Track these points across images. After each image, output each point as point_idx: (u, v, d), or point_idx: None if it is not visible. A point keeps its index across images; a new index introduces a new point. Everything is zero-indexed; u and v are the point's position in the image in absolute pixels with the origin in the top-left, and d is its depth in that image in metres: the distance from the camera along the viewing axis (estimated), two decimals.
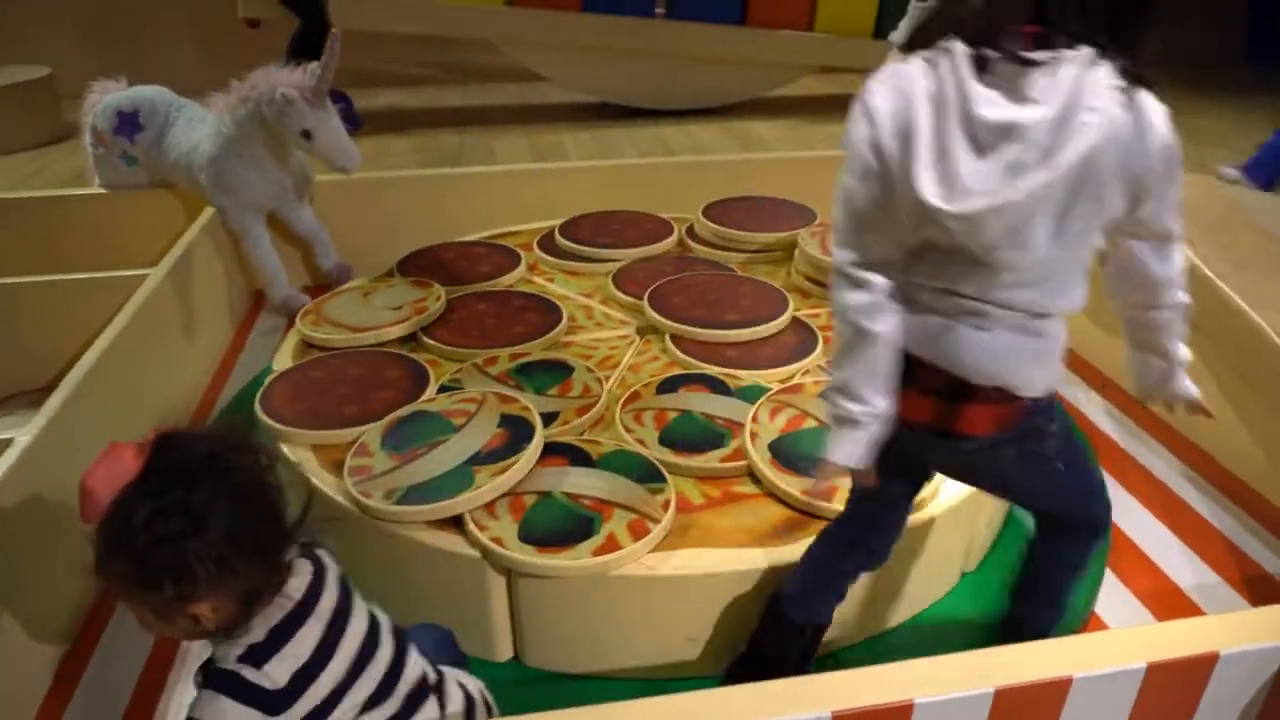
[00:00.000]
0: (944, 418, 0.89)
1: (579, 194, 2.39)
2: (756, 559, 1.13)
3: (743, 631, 1.14)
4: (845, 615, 1.19)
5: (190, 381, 1.84)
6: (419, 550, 1.17)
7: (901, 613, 1.26)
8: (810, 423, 1.32)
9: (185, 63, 4.63)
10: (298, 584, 0.81)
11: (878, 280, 0.86)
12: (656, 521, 1.15)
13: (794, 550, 1.13)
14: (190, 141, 2.08)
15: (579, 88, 4.25)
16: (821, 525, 1.15)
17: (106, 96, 2.17)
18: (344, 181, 2.38)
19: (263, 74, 1.93)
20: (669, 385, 1.46)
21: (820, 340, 1.60)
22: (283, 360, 1.60)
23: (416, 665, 0.89)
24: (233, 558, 0.73)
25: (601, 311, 1.78)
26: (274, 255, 2.16)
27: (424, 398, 1.42)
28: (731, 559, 1.12)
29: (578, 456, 1.28)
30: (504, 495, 1.20)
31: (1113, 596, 1.34)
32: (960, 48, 0.79)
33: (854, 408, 0.88)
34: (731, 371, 1.50)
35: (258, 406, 1.42)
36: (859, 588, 1.14)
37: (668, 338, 1.62)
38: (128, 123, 2.15)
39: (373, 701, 0.83)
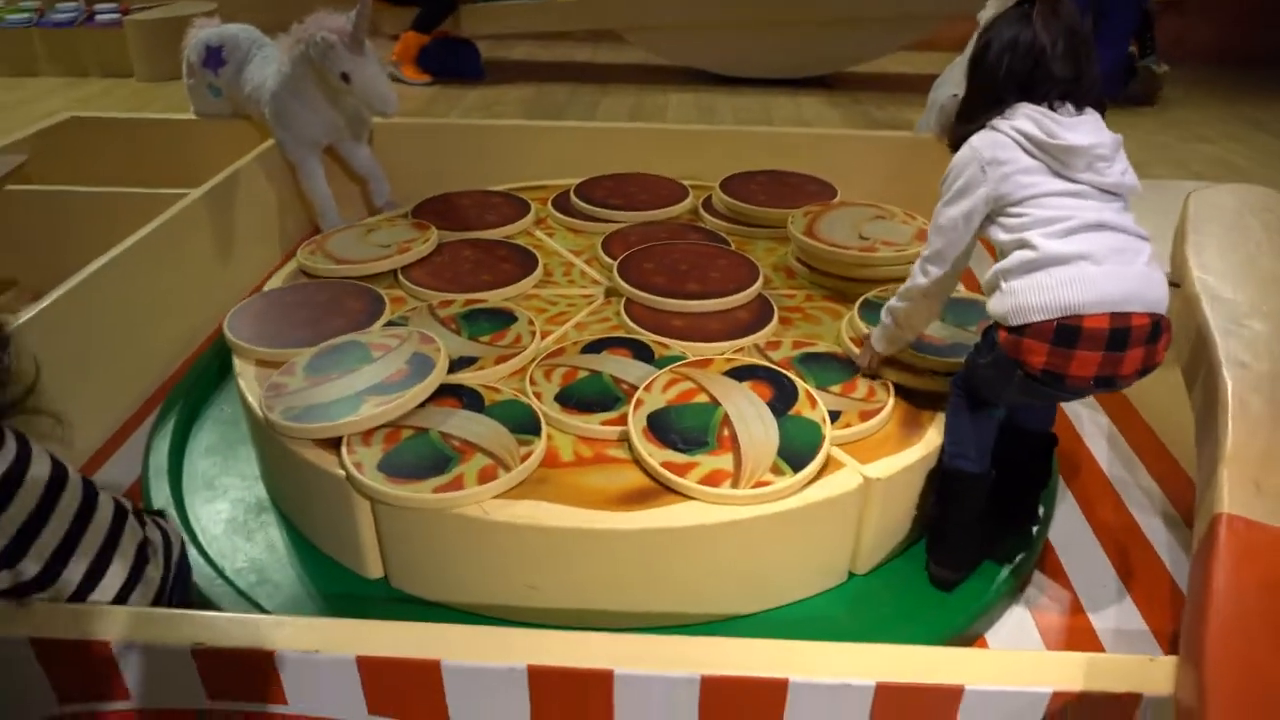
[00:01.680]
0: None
1: (626, 154, 2.41)
2: (592, 520, 1.14)
3: (584, 588, 1.18)
4: (696, 592, 1.20)
5: (217, 299, 2.02)
6: (304, 465, 1.27)
7: (762, 600, 1.24)
8: (701, 398, 1.31)
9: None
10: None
11: None
12: (508, 469, 1.19)
13: (632, 518, 1.14)
14: (261, 77, 2.26)
15: (703, 65, 4.24)
16: (672, 500, 1.16)
17: (199, 31, 2.39)
18: (403, 125, 2.52)
19: (315, 18, 2.06)
20: (595, 346, 1.48)
21: (775, 320, 1.57)
22: (273, 283, 1.74)
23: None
24: None
25: (580, 270, 1.81)
26: (326, 189, 2.31)
27: (367, 329, 1.51)
28: (566, 516, 1.15)
29: (472, 401, 1.34)
30: (384, 426, 1.27)
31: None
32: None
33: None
34: (663, 340, 1.50)
35: (226, 319, 1.56)
36: (715, 563, 1.16)
37: (624, 301, 1.63)
38: (213, 56, 2.36)
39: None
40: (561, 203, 2.06)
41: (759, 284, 1.65)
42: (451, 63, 4.14)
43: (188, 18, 2.53)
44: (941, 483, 1.27)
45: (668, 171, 2.23)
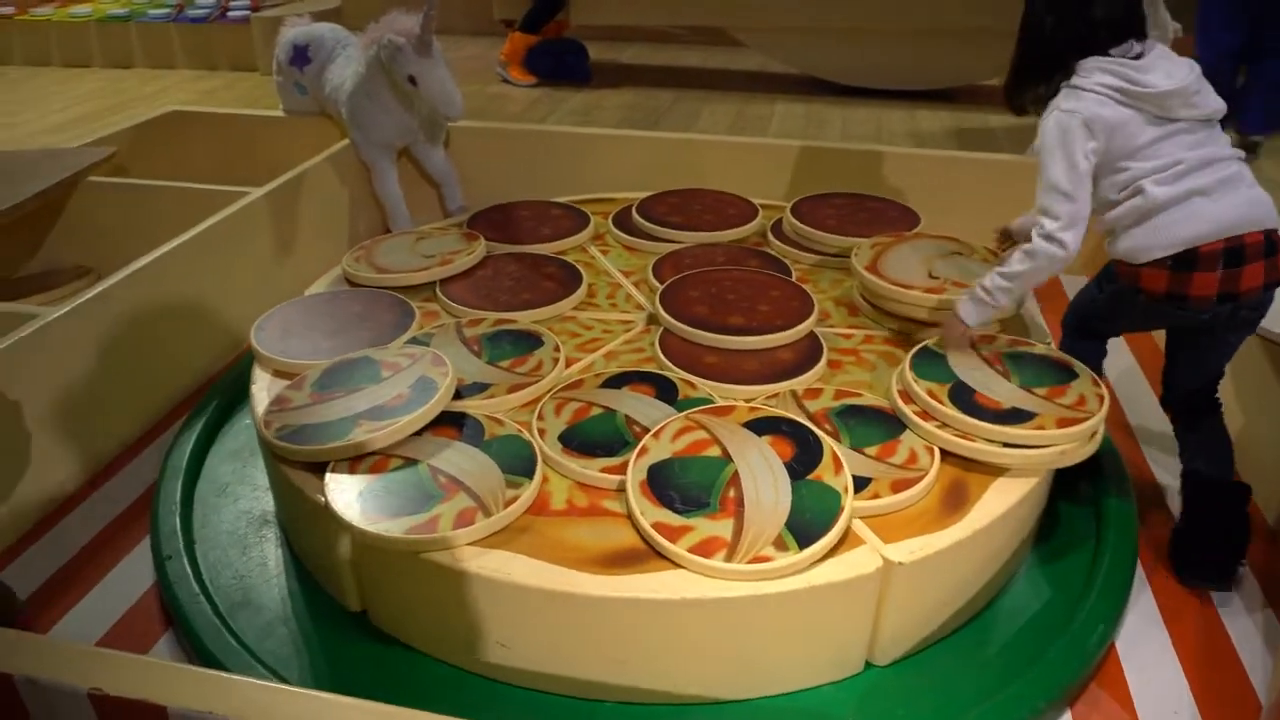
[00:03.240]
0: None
1: (705, 167, 2.31)
2: (566, 580, 1.04)
3: (557, 653, 1.08)
4: (677, 670, 1.08)
5: (275, 298, 2.01)
6: (290, 486, 1.22)
7: (755, 686, 1.11)
8: (712, 451, 1.19)
9: (456, 2, 5.02)
10: None
11: None
12: (488, 514, 1.10)
13: (610, 584, 1.03)
14: (340, 77, 2.26)
15: (816, 72, 4.05)
16: (660, 566, 1.05)
17: (289, 31, 2.41)
18: (480, 129, 2.49)
19: (387, 19, 2.03)
20: (617, 381, 1.38)
21: (821, 363, 1.43)
22: (316, 288, 1.71)
23: None
24: None
25: (626, 293, 1.71)
26: (398, 191, 2.30)
27: (386, 346, 1.46)
28: (540, 573, 1.05)
29: (471, 432, 1.26)
30: (374, 454, 1.20)
31: None
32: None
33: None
34: (690, 379, 1.38)
35: (256, 323, 1.53)
36: (699, 642, 1.04)
37: (661, 331, 1.52)
38: (300, 55, 2.38)
39: None
40: (622, 218, 1.96)
41: (809, 322, 1.50)
42: (558, 65, 4.11)
43: (329, 11, 2.56)
44: None
45: (748, 188, 2.10)
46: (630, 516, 1.12)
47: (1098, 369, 1.39)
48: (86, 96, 4.06)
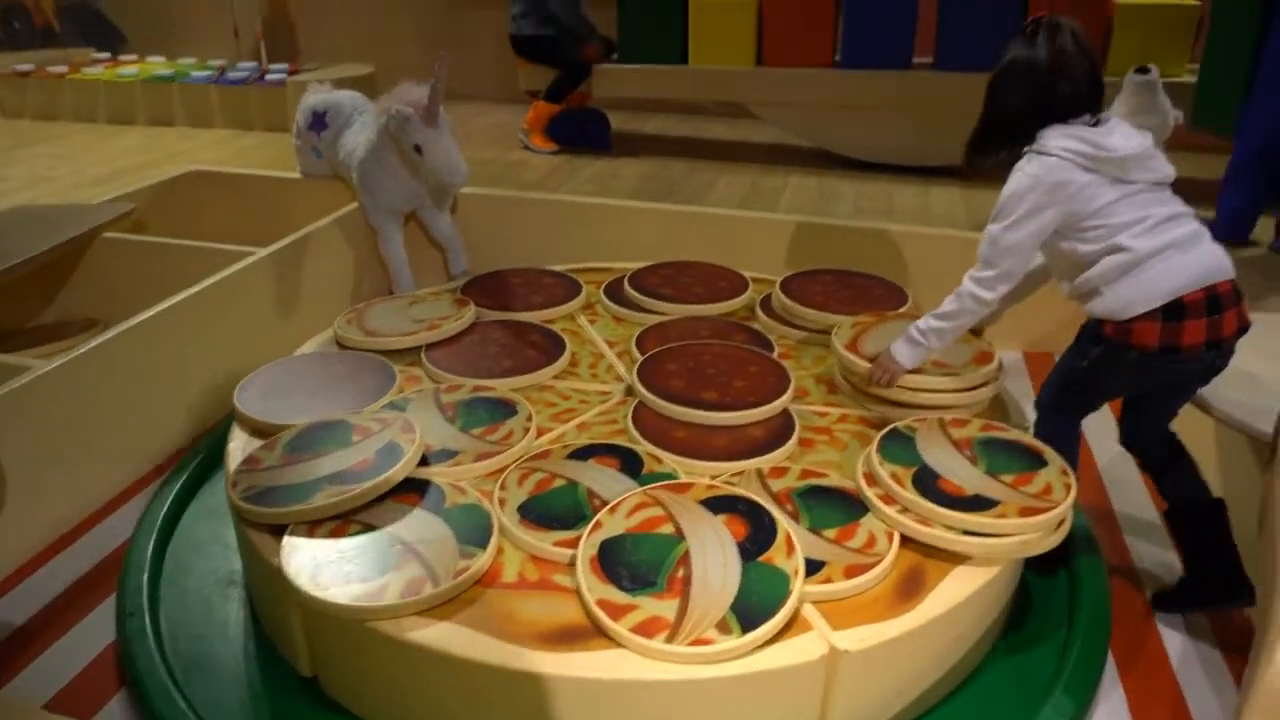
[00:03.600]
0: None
1: (714, 239, 2.34)
2: (507, 655, 1.03)
3: None
4: None
5: (275, 356, 2.06)
6: (250, 548, 1.23)
7: None
8: (666, 528, 1.18)
9: (484, 72, 5.20)
10: None
11: None
12: (436, 585, 1.10)
13: (550, 661, 1.02)
14: (354, 143, 2.34)
15: (828, 145, 4.11)
16: (603, 645, 1.04)
17: (310, 98, 2.50)
18: (486, 196, 2.55)
19: (398, 90, 2.10)
20: (584, 453, 1.38)
21: (792, 441, 1.43)
22: (306, 349, 1.75)
23: None
24: None
25: (609, 364, 1.73)
26: (402, 255, 2.35)
27: (361, 410, 1.48)
28: (481, 646, 1.05)
29: (433, 500, 1.27)
30: (333, 519, 1.22)
31: None
32: None
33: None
34: (657, 453, 1.38)
35: (242, 382, 1.57)
36: None
37: (635, 403, 1.53)
38: (318, 121, 2.46)
39: None
40: (614, 288, 1.99)
41: (783, 399, 1.51)
42: (580, 133, 4.20)
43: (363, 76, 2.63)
44: None
45: (749, 261, 2.13)
46: (578, 592, 1.11)
47: (1074, 452, 1.39)
48: (125, 152, 4.22)
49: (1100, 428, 1.85)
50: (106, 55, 5.41)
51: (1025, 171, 1.25)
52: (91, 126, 4.76)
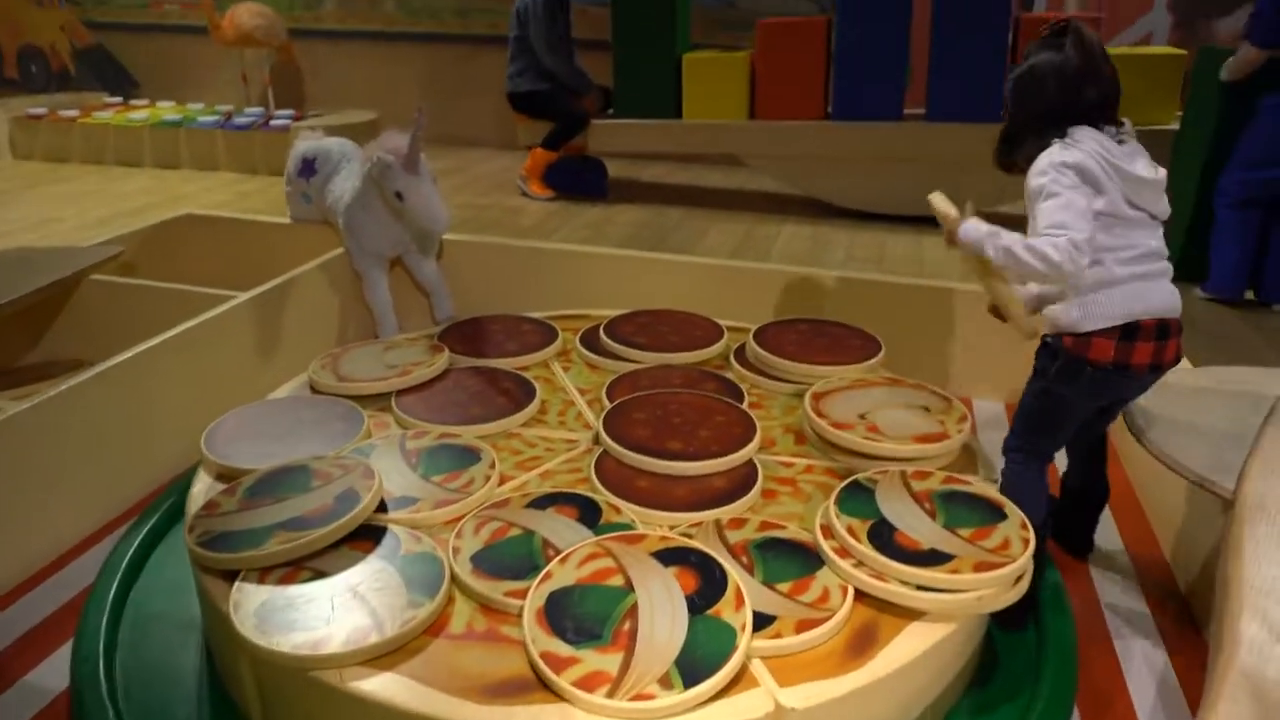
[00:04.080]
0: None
1: (697, 288, 2.35)
2: (449, 708, 1.03)
3: None
4: None
5: (250, 400, 2.08)
6: (202, 592, 1.23)
7: None
8: (615, 580, 1.18)
9: (486, 119, 5.28)
10: None
11: None
12: (382, 634, 1.10)
13: (491, 714, 1.01)
14: (341, 190, 2.37)
15: (819, 195, 4.16)
16: (545, 699, 1.03)
17: (300, 145, 2.55)
18: (471, 243, 2.57)
19: (382, 138, 2.14)
20: (543, 501, 1.38)
21: (754, 492, 1.42)
22: (279, 394, 1.76)
23: None
24: None
25: (578, 412, 1.73)
26: (387, 299, 2.37)
27: (328, 454, 1.49)
28: (423, 698, 1.04)
29: (388, 548, 1.27)
30: (284, 565, 1.22)
31: None
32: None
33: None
34: (616, 502, 1.38)
35: (209, 426, 1.58)
36: None
37: (600, 452, 1.53)
38: (308, 167, 2.50)
39: None
40: (590, 336, 2.00)
41: (746, 450, 1.50)
42: (576, 180, 4.27)
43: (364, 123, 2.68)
44: None
45: (732, 311, 2.14)
46: (524, 644, 1.11)
47: (1043, 502, 1.43)
48: (130, 194, 4.30)
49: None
50: (118, 99, 5.54)
51: (1055, 157, 1.29)
52: (99, 168, 4.87)
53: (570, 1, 4.11)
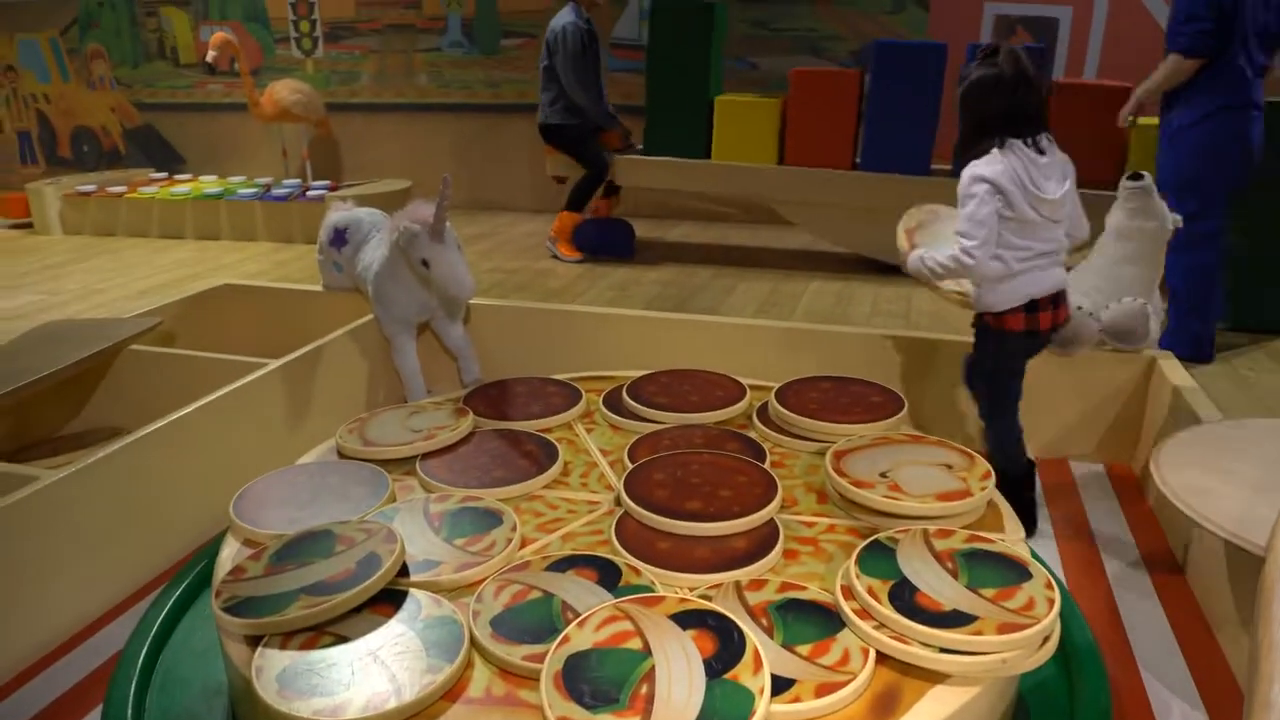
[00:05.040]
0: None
1: (722, 347, 2.38)
2: None
3: None
4: None
5: (280, 466, 2.11)
6: (227, 658, 1.25)
7: None
8: (633, 643, 1.17)
9: (516, 185, 5.40)
10: None
11: None
12: (400, 699, 1.10)
13: None
14: (370, 258, 2.44)
15: (844, 245, 4.19)
16: None
17: (332, 215, 2.63)
18: (497, 307, 2.62)
19: (409, 207, 2.20)
20: (562, 564, 1.39)
21: (775, 552, 1.41)
22: (307, 459, 1.79)
23: None
24: None
25: (600, 473, 1.74)
26: (415, 365, 2.41)
27: (353, 518, 1.51)
28: None
29: (409, 612, 1.28)
30: (305, 630, 1.23)
31: None
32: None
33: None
34: (636, 564, 1.38)
35: (238, 493, 1.61)
36: None
37: (621, 514, 1.54)
38: (339, 237, 2.58)
39: None
40: (612, 397, 2.02)
41: (767, 510, 1.50)
42: (603, 242, 4.34)
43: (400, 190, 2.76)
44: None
45: (757, 369, 2.15)
46: (541, 708, 1.10)
47: (1017, 443, 1.89)
48: (172, 265, 4.44)
49: (1113, 529, 1.81)
50: (164, 175, 5.76)
51: (981, 170, 1.69)
52: (144, 241, 5.04)
53: (598, 34, 4.20)
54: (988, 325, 1.82)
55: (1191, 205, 2.77)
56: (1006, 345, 1.81)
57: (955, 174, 1.74)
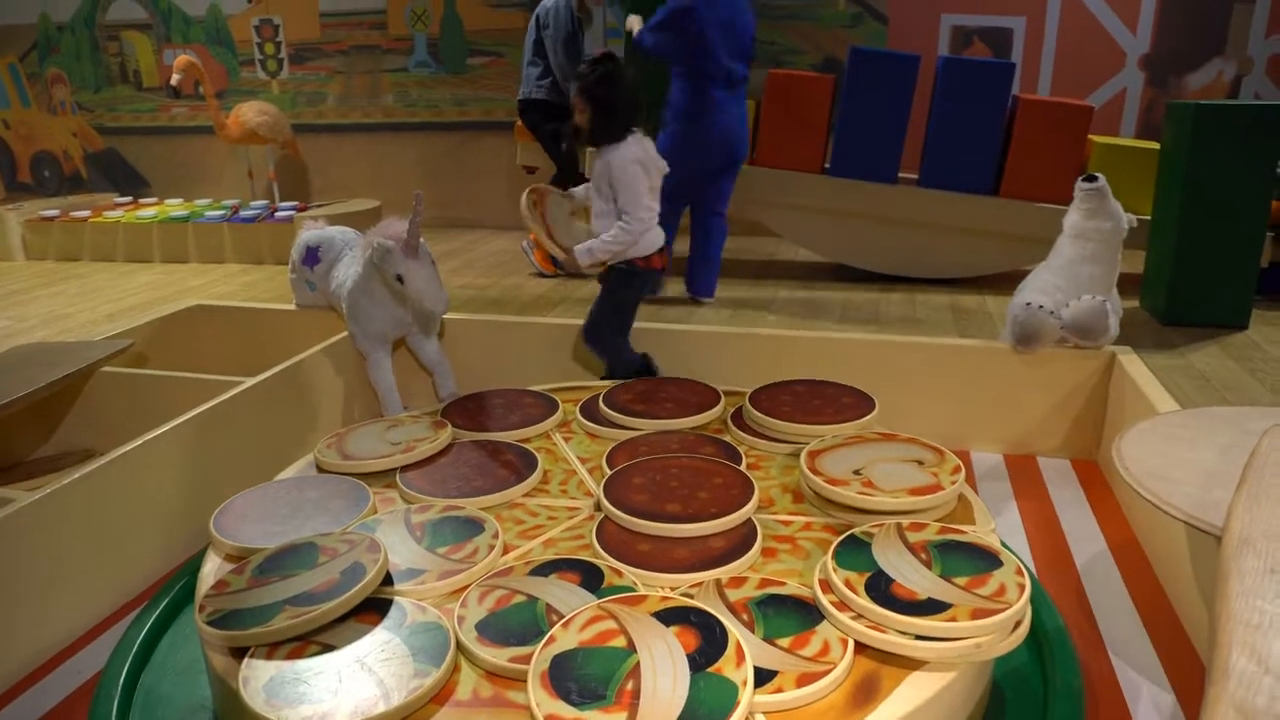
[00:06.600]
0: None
1: (693, 356, 2.42)
2: None
3: None
4: None
5: (259, 480, 2.11)
6: (211, 671, 1.25)
7: None
8: (617, 641, 1.19)
9: (486, 202, 5.42)
10: None
11: None
12: (389, 703, 1.11)
13: None
14: (344, 276, 2.45)
15: (811, 248, 4.26)
16: None
17: (305, 233, 2.64)
18: (471, 321, 2.63)
19: (381, 225, 2.22)
20: (545, 569, 1.40)
21: (754, 550, 1.44)
22: (286, 474, 1.80)
23: None
24: None
25: (579, 480, 1.76)
26: (391, 380, 2.42)
27: (335, 531, 1.52)
28: None
29: (394, 619, 1.29)
30: (291, 640, 1.24)
31: None
32: None
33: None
34: (617, 566, 1.40)
35: (218, 509, 1.61)
36: None
37: (601, 518, 1.56)
38: (311, 255, 2.59)
39: None
40: (589, 406, 2.04)
41: (744, 510, 1.53)
42: None
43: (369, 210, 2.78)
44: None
45: (731, 375, 2.19)
46: (529, 708, 1.12)
47: (637, 357, 2.42)
48: (140, 289, 4.40)
49: (1080, 519, 1.86)
50: (128, 199, 5.70)
51: (633, 152, 2.24)
52: (110, 265, 4.99)
53: (582, 24, 4.26)
54: (625, 266, 2.31)
55: None
56: (635, 281, 2.35)
57: (590, 143, 2.33)
